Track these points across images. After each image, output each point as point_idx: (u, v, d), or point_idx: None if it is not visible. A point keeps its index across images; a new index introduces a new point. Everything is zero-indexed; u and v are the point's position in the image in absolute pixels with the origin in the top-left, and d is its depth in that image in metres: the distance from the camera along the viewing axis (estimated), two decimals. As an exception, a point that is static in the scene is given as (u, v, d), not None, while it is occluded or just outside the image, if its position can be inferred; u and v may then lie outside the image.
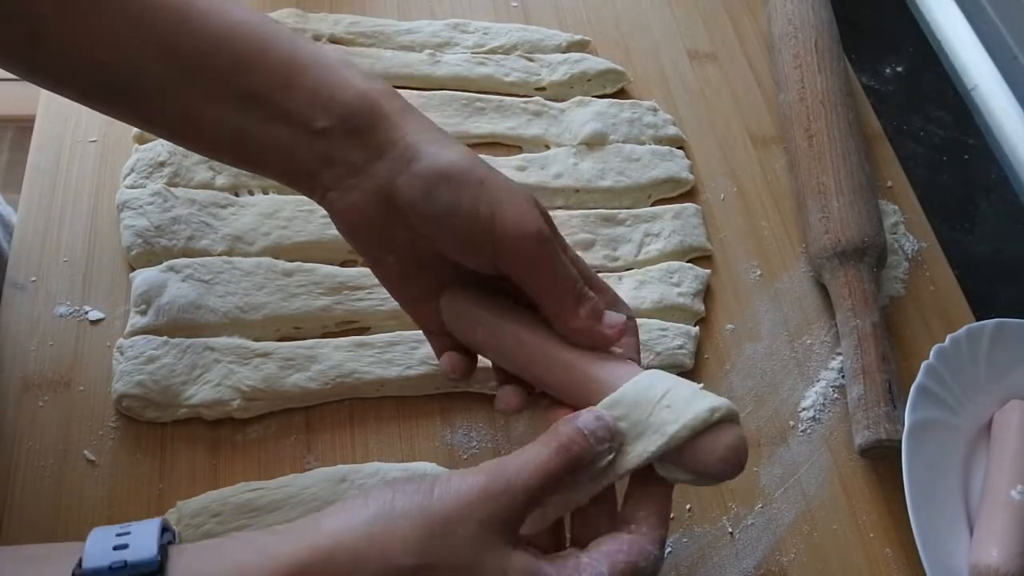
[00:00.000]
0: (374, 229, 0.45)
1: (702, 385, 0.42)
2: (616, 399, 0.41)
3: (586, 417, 0.40)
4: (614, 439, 0.40)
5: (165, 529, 0.36)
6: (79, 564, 0.33)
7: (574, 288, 0.44)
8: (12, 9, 0.41)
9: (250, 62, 0.43)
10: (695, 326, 0.62)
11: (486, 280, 0.46)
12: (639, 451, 0.40)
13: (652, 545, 0.39)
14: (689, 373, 0.60)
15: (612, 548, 0.38)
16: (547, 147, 0.69)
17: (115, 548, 0.34)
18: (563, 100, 0.71)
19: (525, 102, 0.70)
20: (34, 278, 0.57)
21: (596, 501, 0.41)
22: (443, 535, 0.35)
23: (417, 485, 0.37)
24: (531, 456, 0.38)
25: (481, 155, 0.46)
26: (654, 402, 0.40)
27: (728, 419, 0.40)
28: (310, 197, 0.46)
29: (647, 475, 0.41)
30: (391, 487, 0.37)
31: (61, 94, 0.46)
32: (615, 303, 0.47)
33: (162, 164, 0.60)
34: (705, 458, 0.39)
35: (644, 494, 0.41)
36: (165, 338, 0.54)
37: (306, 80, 0.43)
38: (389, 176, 0.43)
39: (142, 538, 0.34)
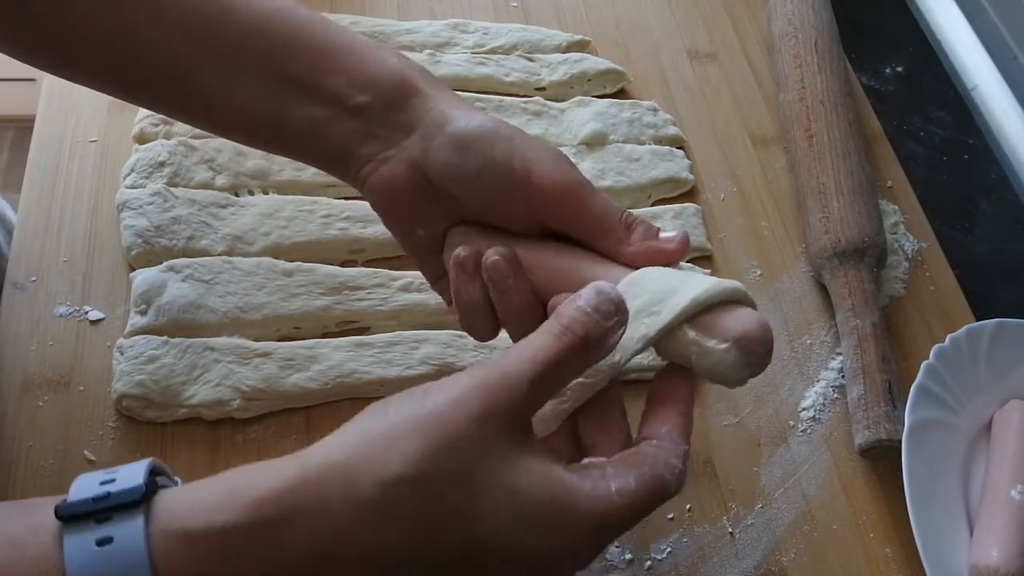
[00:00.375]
0: (406, 202, 0.46)
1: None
2: (629, 279, 0.40)
3: (587, 292, 0.37)
4: (620, 311, 0.37)
5: (161, 473, 0.35)
6: (64, 500, 0.32)
7: (622, 218, 0.43)
8: (44, 8, 0.42)
9: (288, 46, 0.45)
10: (695, 326, 0.62)
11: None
12: (652, 323, 0.39)
13: (677, 459, 0.37)
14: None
15: (637, 460, 0.36)
16: (547, 147, 0.69)
17: (101, 483, 0.32)
18: (563, 100, 0.71)
19: (525, 102, 0.70)
20: (34, 278, 0.57)
21: (604, 405, 0.39)
22: (440, 438, 0.33)
23: (409, 393, 0.35)
24: (531, 345, 0.36)
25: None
26: (672, 282, 0.40)
27: (746, 302, 0.40)
28: (342, 178, 0.47)
29: (665, 389, 0.40)
30: (385, 401, 0.35)
31: (93, 87, 0.47)
32: None
33: (162, 164, 0.60)
34: (731, 325, 0.38)
35: (663, 410, 0.39)
36: (165, 338, 0.54)
37: (342, 61, 0.45)
38: (422, 146, 0.44)
39: (129, 473, 0.33)
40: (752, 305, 0.40)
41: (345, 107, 0.45)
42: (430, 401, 0.34)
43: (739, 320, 0.38)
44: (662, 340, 0.40)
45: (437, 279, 0.49)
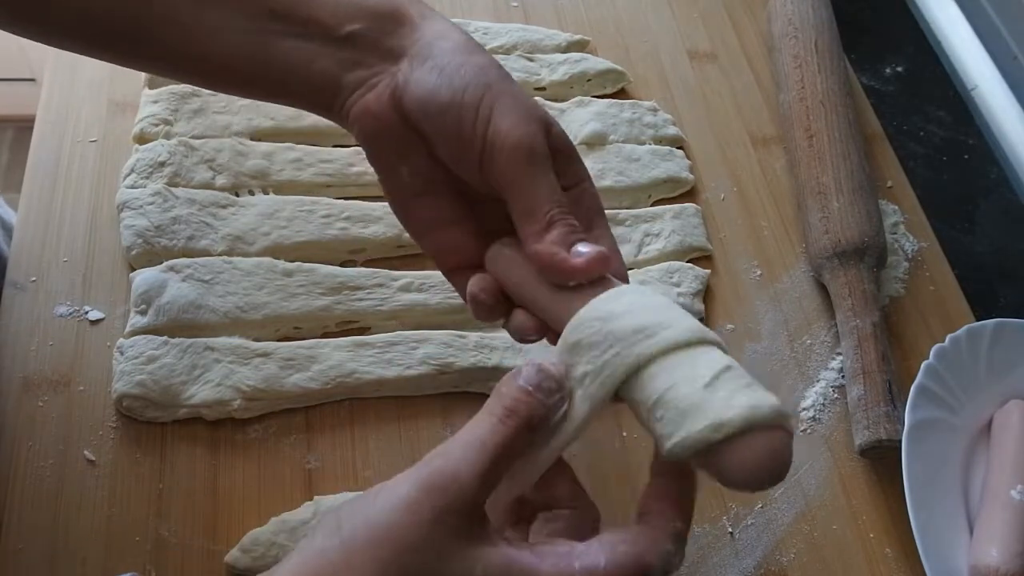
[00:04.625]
0: (388, 134, 0.44)
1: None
2: (576, 324, 0.36)
3: (528, 371, 0.36)
4: (563, 388, 0.36)
5: None
6: None
7: (548, 212, 0.40)
8: None
9: None
10: (695, 326, 0.62)
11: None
12: (596, 390, 0.35)
13: (664, 538, 0.34)
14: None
15: (614, 538, 0.34)
16: (547, 147, 0.69)
17: None
18: (563, 100, 0.71)
19: (525, 102, 0.70)
20: (34, 278, 0.57)
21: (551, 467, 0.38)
22: (393, 549, 0.32)
23: (362, 499, 0.34)
24: (477, 431, 0.35)
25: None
26: (620, 330, 0.35)
27: (708, 341, 0.34)
28: (326, 114, 0.46)
29: (665, 463, 0.36)
30: (336, 513, 0.34)
31: (67, 46, 0.46)
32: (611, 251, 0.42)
33: (162, 164, 0.60)
34: (735, 466, 0.32)
35: (661, 483, 0.36)
36: (165, 338, 0.54)
37: None
38: (405, 76, 0.43)
39: None
40: (777, 419, 0.33)
41: (333, 37, 0.43)
42: (379, 510, 0.33)
43: (744, 459, 0.32)
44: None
45: (423, 233, 0.46)
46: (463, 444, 0.34)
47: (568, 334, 0.37)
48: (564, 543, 0.35)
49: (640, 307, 0.36)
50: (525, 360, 0.38)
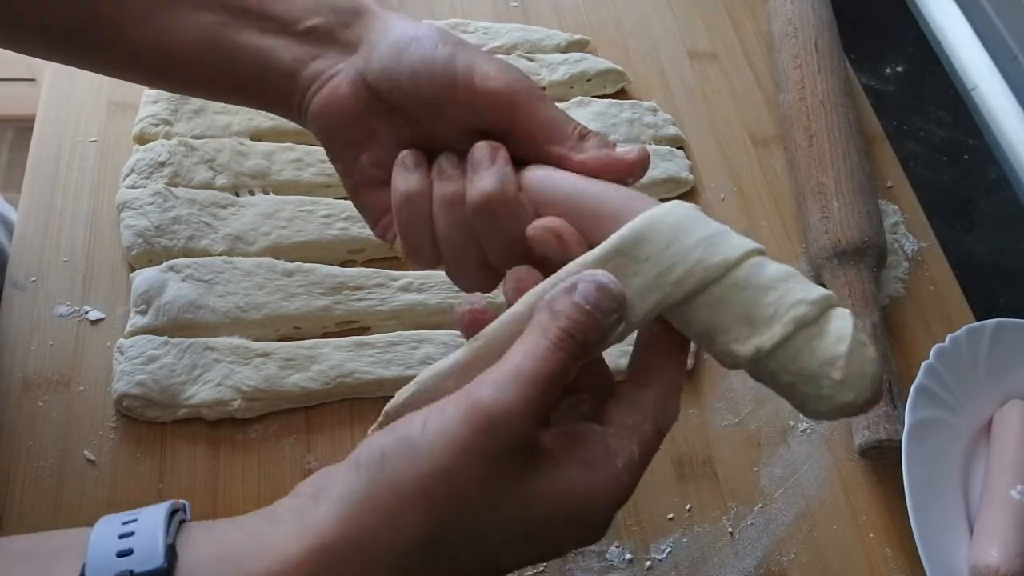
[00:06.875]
0: (349, 121, 0.43)
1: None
2: (635, 235, 0.34)
3: (585, 287, 0.33)
4: (623, 307, 0.33)
5: (174, 511, 0.34)
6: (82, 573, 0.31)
7: (575, 127, 0.40)
8: None
9: None
10: (695, 326, 0.62)
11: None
12: (652, 300, 0.34)
13: (670, 399, 0.35)
14: (689, 373, 0.60)
15: (636, 420, 0.34)
16: (547, 147, 0.69)
17: (119, 555, 0.31)
18: (563, 100, 0.71)
19: (525, 102, 0.70)
20: (34, 278, 0.57)
21: None
22: (448, 497, 0.31)
23: (406, 431, 0.32)
24: (529, 358, 0.32)
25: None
26: (677, 240, 0.34)
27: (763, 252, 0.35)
28: (287, 113, 0.45)
29: (653, 332, 0.36)
30: (380, 446, 0.32)
31: (41, 56, 0.46)
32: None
33: (162, 164, 0.60)
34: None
35: (651, 345, 0.36)
36: (165, 338, 0.54)
37: None
38: (365, 57, 0.42)
39: (147, 537, 0.32)
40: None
41: (293, 32, 0.43)
42: (428, 453, 0.31)
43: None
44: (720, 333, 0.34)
45: (380, 217, 0.45)
46: (513, 373, 0.32)
47: (632, 230, 0.35)
48: (598, 439, 0.34)
49: (702, 220, 0.36)
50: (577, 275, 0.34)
